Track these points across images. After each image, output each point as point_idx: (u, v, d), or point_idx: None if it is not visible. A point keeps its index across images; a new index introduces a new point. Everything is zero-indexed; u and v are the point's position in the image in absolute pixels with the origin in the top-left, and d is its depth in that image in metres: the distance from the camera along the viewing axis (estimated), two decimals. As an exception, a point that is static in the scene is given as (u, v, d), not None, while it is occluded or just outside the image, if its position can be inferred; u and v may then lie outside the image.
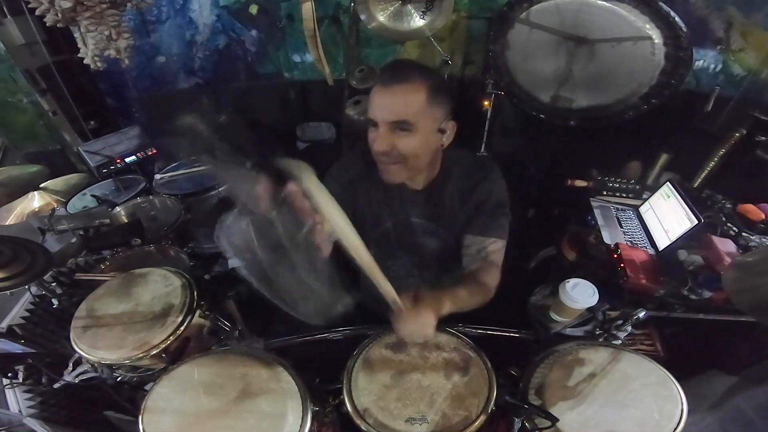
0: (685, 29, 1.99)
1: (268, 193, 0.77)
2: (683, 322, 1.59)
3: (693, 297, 1.54)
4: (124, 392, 1.53)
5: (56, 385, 1.36)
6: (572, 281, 1.32)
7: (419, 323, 0.95)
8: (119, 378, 1.34)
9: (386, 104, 0.97)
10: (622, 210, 2.07)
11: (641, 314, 1.32)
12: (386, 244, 1.25)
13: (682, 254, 1.65)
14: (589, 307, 1.35)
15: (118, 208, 2.18)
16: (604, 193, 2.15)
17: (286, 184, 0.76)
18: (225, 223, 0.84)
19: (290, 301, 0.84)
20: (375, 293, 0.91)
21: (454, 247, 1.22)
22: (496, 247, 1.17)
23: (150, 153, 2.75)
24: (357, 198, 1.19)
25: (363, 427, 1.02)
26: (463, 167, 1.18)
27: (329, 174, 1.20)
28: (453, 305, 1.01)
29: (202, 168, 2.61)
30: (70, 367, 1.36)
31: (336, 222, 0.78)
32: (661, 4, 1.98)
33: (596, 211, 2.04)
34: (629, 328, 1.33)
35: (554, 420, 0.96)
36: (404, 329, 0.97)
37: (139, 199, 2.29)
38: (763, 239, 1.68)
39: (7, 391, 1.48)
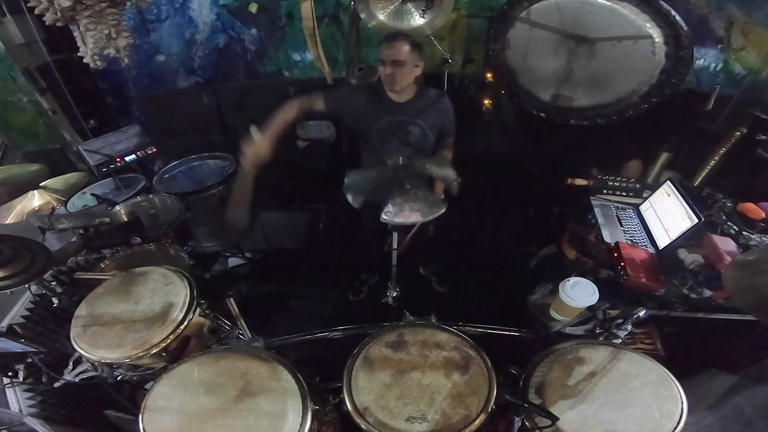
0: (685, 28, 1.99)
1: None
2: (683, 321, 1.59)
3: (693, 296, 1.54)
4: (125, 391, 1.54)
5: (56, 384, 1.37)
6: (572, 280, 1.32)
7: None
8: (119, 377, 1.34)
9: (391, 52, 1.76)
10: (622, 209, 2.07)
11: (641, 313, 1.32)
12: (384, 133, 1.95)
13: (683, 253, 1.65)
14: (589, 306, 1.36)
15: (118, 207, 2.18)
16: (605, 191, 2.15)
17: None
18: None
19: None
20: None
21: (429, 135, 1.95)
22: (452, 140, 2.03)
23: (150, 151, 2.75)
24: (360, 109, 1.95)
25: (363, 425, 1.02)
26: (429, 94, 1.94)
27: (357, 87, 2.08)
28: None
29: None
30: (71, 366, 1.36)
31: None
32: (661, 2, 1.98)
33: (596, 210, 2.05)
34: (629, 327, 1.33)
35: (554, 419, 0.96)
36: None
37: (138, 198, 2.29)
38: (764, 238, 1.67)
39: (7, 390, 1.48)
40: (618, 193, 2.15)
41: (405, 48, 1.76)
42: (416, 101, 1.92)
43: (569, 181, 2.20)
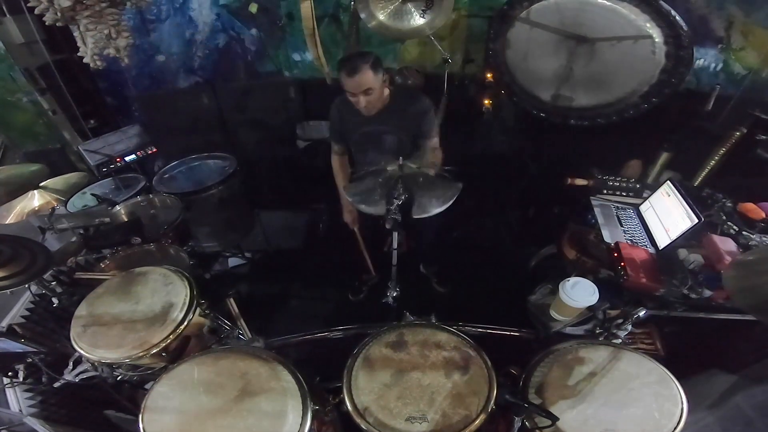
0: (685, 28, 1.99)
1: None
2: (683, 321, 1.59)
3: (693, 296, 1.54)
4: (125, 391, 1.54)
5: (56, 384, 1.37)
6: (572, 280, 1.32)
7: None
8: (119, 377, 1.34)
9: (355, 84, 1.68)
10: (622, 209, 2.07)
11: (641, 313, 1.32)
12: (360, 144, 2.01)
13: (683, 253, 1.65)
14: (589, 306, 1.36)
15: (117, 207, 2.18)
16: (605, 191, 2.15)
17: None
18: None
19: None
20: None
21: (405, 142, 1.92)
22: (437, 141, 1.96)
23: (150, 152, 2.75)
24: (347, 120, 1.97)
25: (363, 425, 1.02)
26: (400, 100, 1.89)
27: (334, 105, 2.02)
28: None
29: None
30: (71, 366, 1.36)
31: None
32: (661, 2, 1.98)
33: (596, 210, 2.04)
34: (629, 327, 1.33)
35: (554, 419, 0.96)
36: None
37: (138, 198, 2.29)
38: (764, 238, 1.67)
39: (7, 390, 1.48)
40: (618, 193, 2.14)
41: (369, 74, 1.65)
42: (387, 110, 1.86)
43: (569, 181, 2.20)
